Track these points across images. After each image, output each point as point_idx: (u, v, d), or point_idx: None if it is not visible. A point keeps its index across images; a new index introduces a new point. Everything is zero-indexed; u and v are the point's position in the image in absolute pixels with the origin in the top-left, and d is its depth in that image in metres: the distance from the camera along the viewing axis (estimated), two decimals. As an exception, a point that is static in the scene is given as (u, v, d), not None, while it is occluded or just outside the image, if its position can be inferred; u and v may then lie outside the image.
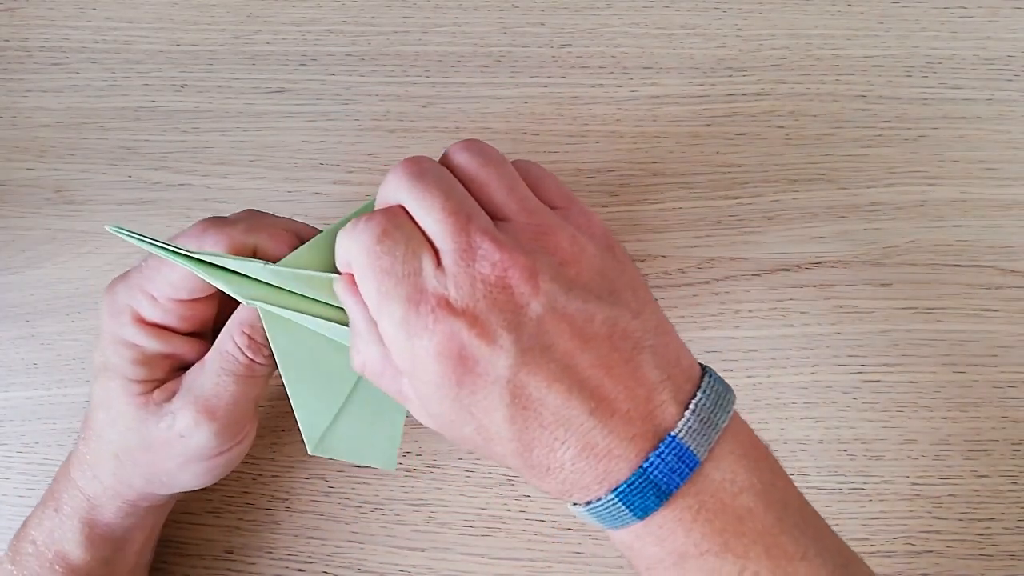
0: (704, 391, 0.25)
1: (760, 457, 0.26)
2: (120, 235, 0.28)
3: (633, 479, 0.24)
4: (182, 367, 0.32)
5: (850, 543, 0.38)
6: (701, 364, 0.27)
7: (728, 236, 0.42)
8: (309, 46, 0.46)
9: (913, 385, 0.40)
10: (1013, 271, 0.42)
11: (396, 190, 0.26)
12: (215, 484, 0.40)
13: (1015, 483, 0.39)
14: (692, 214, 0.43)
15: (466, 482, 0.40)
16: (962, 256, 0.42)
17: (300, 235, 0.30)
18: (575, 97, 0.45)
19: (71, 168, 0.44)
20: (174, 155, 0.44)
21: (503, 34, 0.46)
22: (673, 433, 0.24)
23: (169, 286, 0.30)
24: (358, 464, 0.33)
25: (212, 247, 0.29)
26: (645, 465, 0.24)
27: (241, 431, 0.32)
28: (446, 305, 0.24)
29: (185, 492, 0.34)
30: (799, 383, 0.41)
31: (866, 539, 0.38)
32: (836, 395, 0.40)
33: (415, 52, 0.45)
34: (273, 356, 0.30)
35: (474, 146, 0.27)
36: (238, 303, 0.30)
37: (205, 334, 0.33)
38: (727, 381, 0.29)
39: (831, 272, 0.42)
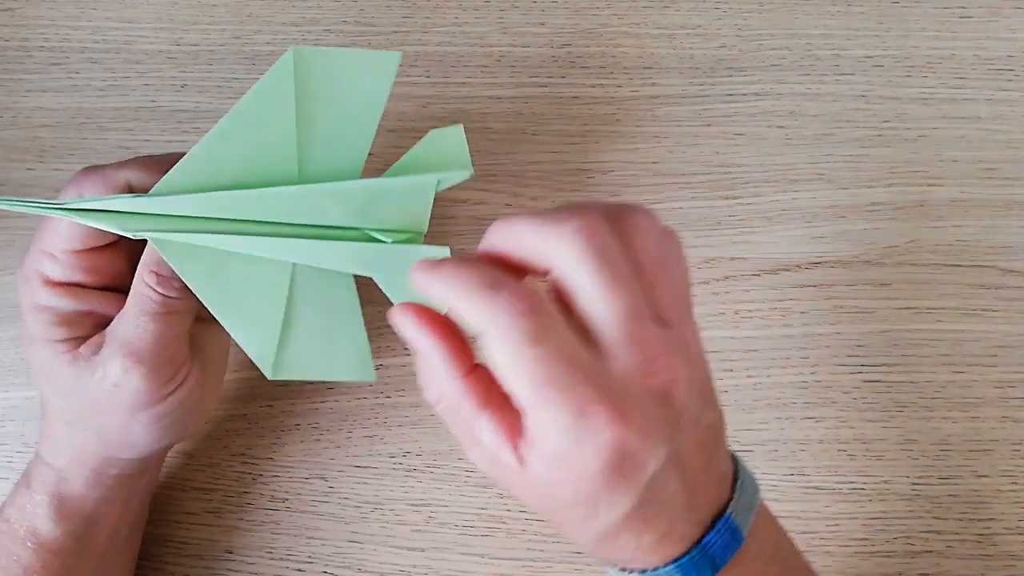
0: (743, 473, 0.27)
1: (778, 528, 0.29)
2: (2, 206, 0.28)
3: (694, 553, 0.26)
4: (105, 323, 0.32)
5: (850, 543, 0.39)
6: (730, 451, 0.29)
7: (728, 236, 0.42)
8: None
9: (913, 385, 0.40)
10: (1013, 271, 0.42)
11: (575, 265, 0.24)
12: (215, 484, 0.40)
13: (1015, 483, 0.39)
14: (692, 214, 0.43)
15: (466, 482, 0.40)
16: (962, 256, 0.42)
17: (174, 163, 0.31)
18: (575, 97, 0.45)
19: (71, 168, 0.44)
20: (174, 155, 0.44)
21: (503, 34, 0.46)
22: (728, 512, 0.26)
23: (60, 238, 0.30)
24: (332, 380, 0.32)
25: (90, 190, 0.30)
26: (705, 541, 0.26)
27: (176, 372, 0.32)
28: (621, 414, 0.23)
29: (149, 454, 0.34)
30: (799, 383, 0.41)
31: (866, 539, 0.38)
32: (836, 395, 0.40)
33: (415, 52, 0.45)
34: (186, 287, 0.30)
35: (659, 230, 0.26)
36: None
37: (120, 288, 0.33)
38: (727, 383, 0.39)
39: (831, 272, 0.42)
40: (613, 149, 0.44)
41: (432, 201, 0.34)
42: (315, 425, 0.41)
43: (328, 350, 0.32)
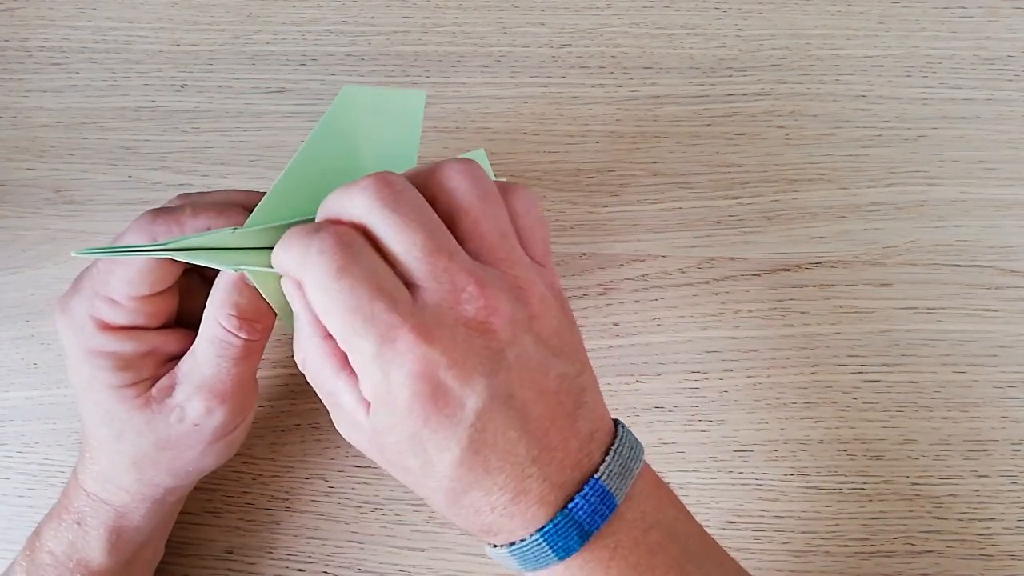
0: (621, 438, 0.27)
1: (663, 496, 0.28)
2: (89, 256, 0.27)
3: (559, 518, 0.25)
4: (165, 360, 0.31)
5: (850, 543, 0.39)
6: (613, 418, 0.28)
7: (728, 236, 0.42)
8: (309, 46, 0.46)
9: (913, 385, 0.40)
10: (1013, 271, 0.42)
11: (365, 213, 0.25)
12: (215, 484, 0.40)
13: (1015, 483, 0.39)
14: (692, 214, 0.43)
15: (466, 482, 0.40)
16: (962, 256, 0.42)
17: (241, 203, 0.30)
18: (575, 97, 0.45)
19: (71, 168, 0.44)
20: (174, 155, 0.44)
21: (503, 34, 0.46)
22: (596, 476, 0.25)
23: (128, 284, 0.29)
24: None
25: (164, 236, 0.29)
26: (570, 505, 0.25)
27: (250, 402, 0.32)
28: (426, 338, 0.24)
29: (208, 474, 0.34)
30: (799, 383, 0.41)
31: (866, 539, 0.38)
32: (836, 395, 0.40)
33: (415, 52, 0.45)
34: (267, 328, 0.30)
35: (473, 174, 0.26)
36: (198, 291, 0.30)
37: (172, 324, 0.32)
38: (727, 383, 0.39)
39: (831, 272, 0.42)
40: (613, 149, 0.44)
41: None
42: (315, 425, 0.41)
43: None
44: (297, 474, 0.40)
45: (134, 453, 0.31)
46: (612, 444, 0.26)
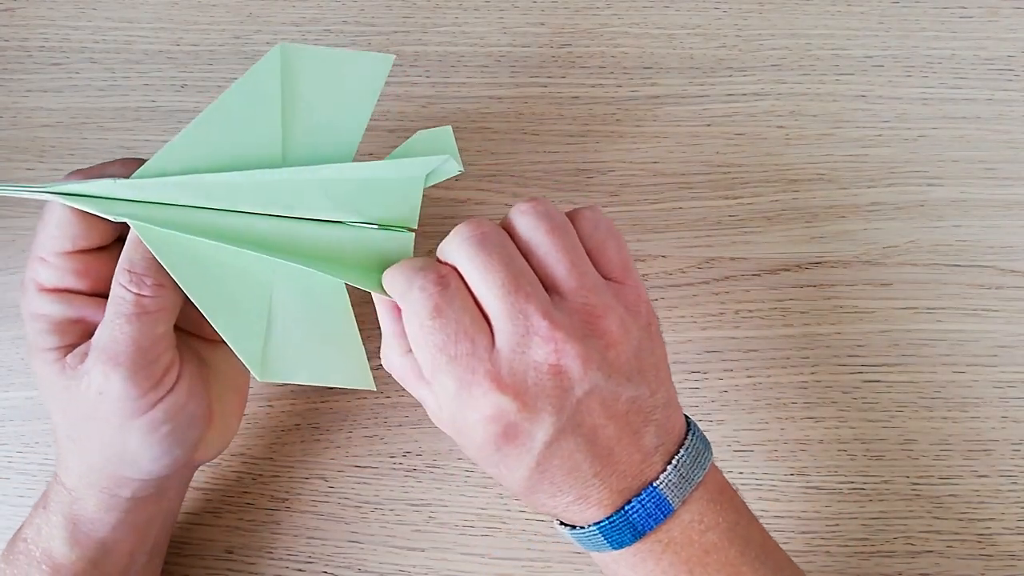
0: (687, 449, 0.29)
1: (726, 500, 0.30)
2: None
3: (615, 517, 0.28)
4: (94, 331, 0.31)
5: (850, 543, 0.39)
6: (688, 419, 0.30)
7: (728, 236, 0.42)
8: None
9: (913, 385, 0.40)
10: (1013, 271, 0.42)
11: (455, 253, 0.28)
12: (215, 484, 0.40)
13: (1015, 483, 0.39)
14: (692, 214, 0.43)
15: (466, 482, 0.40)
16: (962, 256, 0.42)
17: None
18: (575, 97, 0.45)
19: (71, 168, 0.44)
20: (174, 155, 0.44)
21: (503, 34, 0.46)
22: (655, 484, 0.28)
23: (51, 240, 0.30)
24: (326, 386, 0.32)
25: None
26: (627, 508, 0.28)
27: (161, 376, 0.30)
28: (498, 385, 0.26)
29: (157, 472, 0.32)
30: (799, 383, 0.41)
31: (866, 539, 0.39)
32: (836, 395, 0.40)
33: (415, 52, 0.45)
34: (161, 286, 0.29)
35: (539, 209, 0.28)
36: None
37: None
38: (727, 383, 0.40)
39: (831, 272, 0.42)
40: (613, 149, 0.44)
41: (422, 194, 0.33)
42: (315, 425, 0.41)
43: (322, 355, 0.31)
44: (297, 474, 0.40)
45: (67, 425, 0.31)
46: (676, 454, 0.28)
